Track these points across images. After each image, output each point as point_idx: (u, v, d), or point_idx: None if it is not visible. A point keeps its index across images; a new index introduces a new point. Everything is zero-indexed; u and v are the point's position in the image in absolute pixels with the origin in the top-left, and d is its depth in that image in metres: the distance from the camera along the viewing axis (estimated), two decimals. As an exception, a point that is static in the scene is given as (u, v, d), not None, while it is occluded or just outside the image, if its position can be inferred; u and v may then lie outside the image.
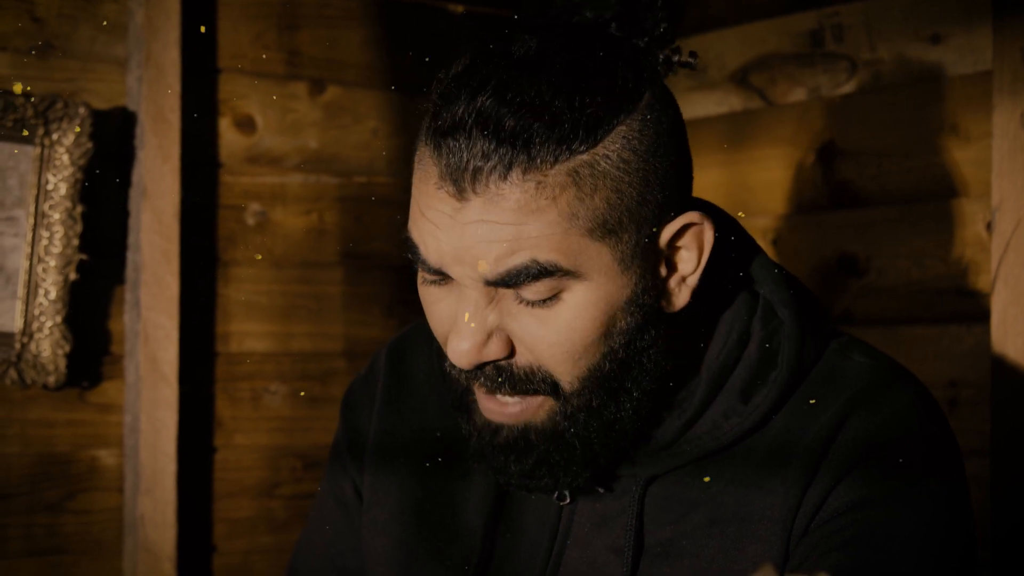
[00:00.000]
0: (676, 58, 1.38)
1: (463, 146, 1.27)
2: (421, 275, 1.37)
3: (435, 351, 1.55)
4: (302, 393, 2.53)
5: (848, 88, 2.37)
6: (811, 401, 1.37)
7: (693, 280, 1.37)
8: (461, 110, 1.28)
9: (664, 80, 1.38)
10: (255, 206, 2.48)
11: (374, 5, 2.59)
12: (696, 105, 2.59)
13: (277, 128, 2.50)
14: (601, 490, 1.41)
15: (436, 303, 1.37)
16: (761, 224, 2.48)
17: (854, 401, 1.36)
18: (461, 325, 1.32)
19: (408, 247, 1.34)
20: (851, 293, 2.36)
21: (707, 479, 1.38)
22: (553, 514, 1.44)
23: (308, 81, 2.53)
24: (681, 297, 1.37)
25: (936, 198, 2.25)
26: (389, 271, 2.60)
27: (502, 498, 1.48)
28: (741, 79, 2.54)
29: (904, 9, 2.29)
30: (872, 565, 1.30)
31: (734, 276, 1.44)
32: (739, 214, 1.66)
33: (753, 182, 2.51)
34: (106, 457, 2.34)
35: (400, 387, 1.60)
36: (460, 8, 2.66)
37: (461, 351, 1.32)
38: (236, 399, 2.47)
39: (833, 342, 1.43)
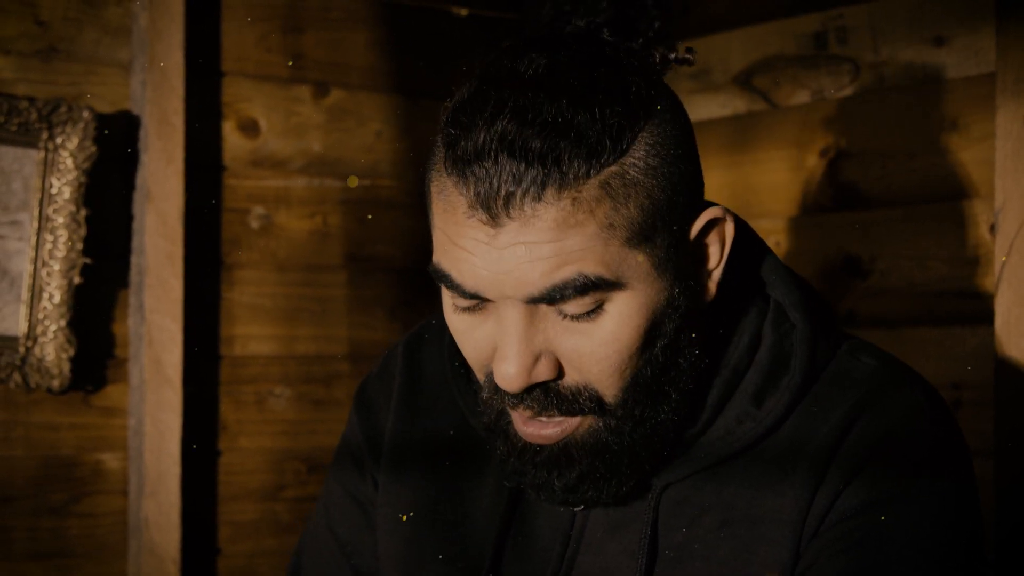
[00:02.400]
0: (673, 55, 1.38)
1: (491, 172, 1.25)
2: (451, 303, 1.35)
3: (447, 353, 1.55)
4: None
5: (852, 90, 2.37)
6: (821, 404, 1.37)
7: (718, 274, 1.38)
8: (483, 137, 1.25)
9: (663, 78, 1.39)
10: (259, 209, 2.49)
11: (378, 8, 2.59)
12: (700, 108, 2.59)
13: (281, 131, 2.50)
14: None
15: (471, 331, 1.35)
16: (765, 226, 2.48)
17: (862, 403, 1.36)
18: (506, 349, 1.30)
19: (438, 277, 1.32)
20: (855, 294, 2.35)
21: (719, 483, 1.38)
22: (566, 520, 1.44)
23: (312, 84, 2.53)
24: (709, 292, 1.37)
25: (940, 199, 2.24)
26: (392, 274, 2.60)
27: (515, 502, 1.47)
28: (745, 81, 2.54)
29: (908, 11, 2.29)
30: (881, 567, 1.30)
31: (744, 279, 1.44)
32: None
33: (757, 184, 2.51)
34: (110, 460, 2.34)
35: (415, 387, 1.59)
36: (464, 11, 2.67)
37: (510, 376, 1.29)
38: (240, 402, 2.47)
39: (844, 344, 1.43)
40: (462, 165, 1.26)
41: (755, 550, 1.35)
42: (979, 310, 2.19)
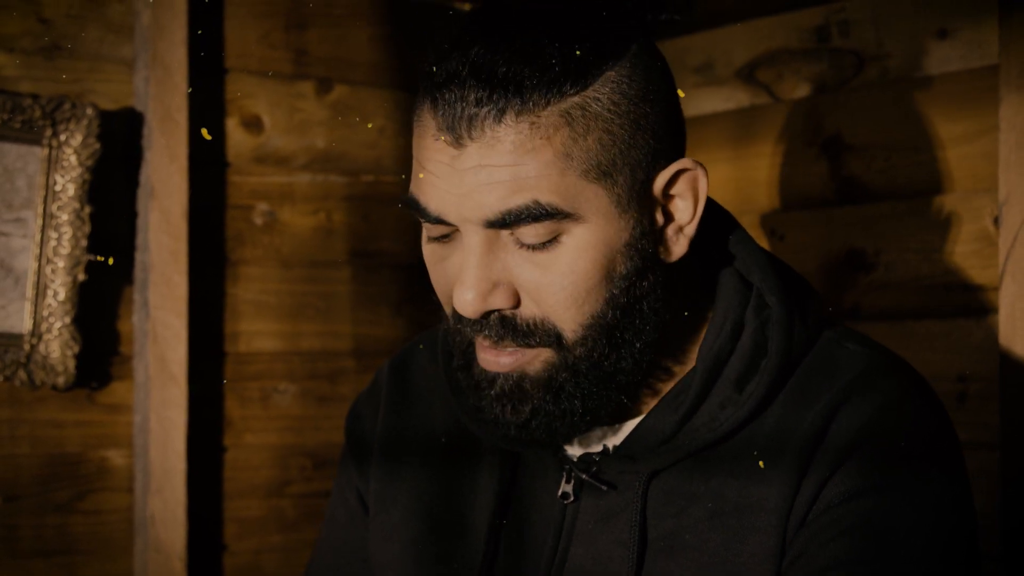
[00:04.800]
0: (663, 16, 1.41)
1: (458, 96, 1.31)
2: (425, 235, 1.40)
3: (441, 354, 1.56)
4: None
5: (855, 83, 2.37)
6: (806, 391, 1.38)
7: (690, 230, 1.39)
8: (455, 63, 1.31)
9: (674, 69, 1.42)
10: (263, 206, 2.49)
11: (381, 4, 2.59)
12: (703, 102, 2.59)
13: (284, 127, 2.50)
14: (604, 487, 1.42)
15: (439, 262, 1.39)
16: (769, 220, 2.48)
17: (848, 390, 1.36)
18: (465, 274, 1.34)
19: (409, 204, 1.37)
20: (860, 288, 2.35)
21: (707, 472, 1.39)
22: (557, 512, 1.45)
23: (315, 80, 2.53)
24: (679, 246, 1.39)
25: (944, 192, 2.24)
26: (397, 270, 2.60)
27: (506, 497, 1.49)
28: (748, 75, 2.54)
29: (910, 4, 2.29)
30: (871, 555, 1.30)
31: (727, 268, 1.45)
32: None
33: (760, 178, 2.51)
34: (116, 457, 2.34)
35: (404, 395, 1.61)
36: (467, 6, 2.67)
37: (466, 300, 1.33)
38: (245, 398, 2.47)
39: (827, 331, 1.43)
40: (434, 90, 1.33)
41: (745, 539, 1.35)
42: (984, 303, 2.19)
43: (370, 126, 2.58)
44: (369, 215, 2.58)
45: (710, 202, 1.46)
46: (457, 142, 1.31)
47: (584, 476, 1.42)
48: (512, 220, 1.31)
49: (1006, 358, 2.09)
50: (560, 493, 1.44)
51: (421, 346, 1.65)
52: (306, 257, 2.52)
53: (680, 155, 1.40)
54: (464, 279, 1.34)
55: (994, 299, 2.16)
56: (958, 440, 1.40)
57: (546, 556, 1.44)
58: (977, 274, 2.20)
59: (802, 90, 2.45)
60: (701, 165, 1.38)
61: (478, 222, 1.32)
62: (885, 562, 1.29)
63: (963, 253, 2.22)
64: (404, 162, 2.61)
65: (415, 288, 2.61)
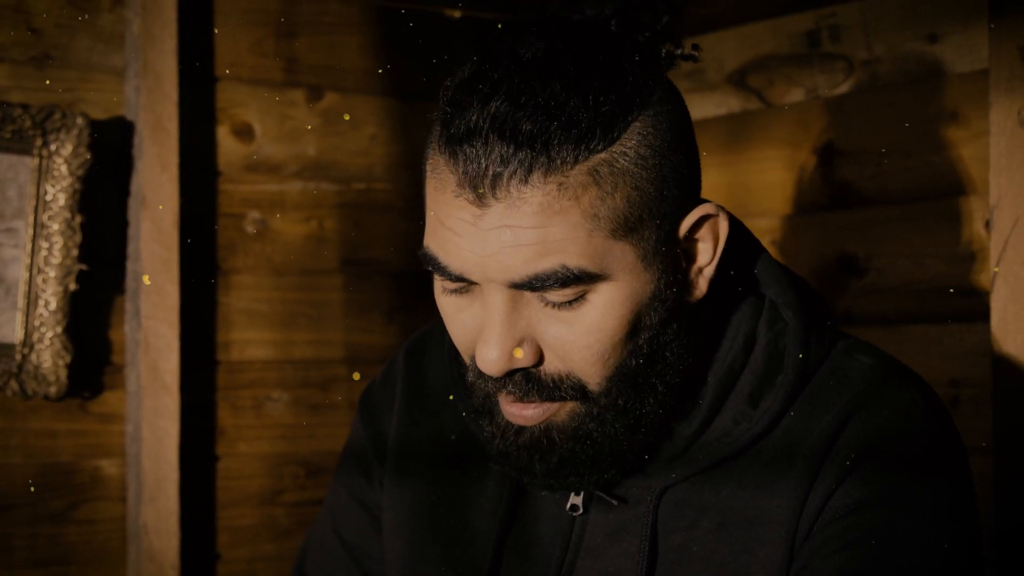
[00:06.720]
0: (678, 51, 1.38)
1: (480, 152, 1.26)
2: (440, 285, 1.36)
3: (447, 355, 1.55)
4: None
5: (846, 88, 2.37)
6: (816, 402, 1.37)
7: (710, 271, 1.37)
8: (475, 116, 1.26)
9: (668, 72, 1.38)
10: (254, 214, 2.48)
11: (371, 11, 2.59)
12: (694, 107, 2.59)
13: (275, 135, 2.50)
14: (615, 502, 1.41)
15: (457, 313, 1.35)
16: (761, 225, 2.48)
17: (856, 402, 1.36)
18: (489, 333, 1.31)
19: (426, 260, 1.33)
20: (852, 293, 2.35)
21: (717, 484, 1.38)
22: (566, 524, 1.44)
23: (306, 88, 2.53)
24: (700, 288, 1.37)
25: (935, 197, 2.24)
26: (389, 277, 2.60)
27: (515, 506, 1.48)
28: (739, 80, 2.54)
29: (901, 8, 2.29)
30: (876, 567, 1.29)
31: (739, 278, 1.44)
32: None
33: (752, 183, 2.51)
34: (108, 467, 2.34)
35: (418, 391, 1.60)
36: (457, 13, 2.66)
37: (491, 359, 1.30)
38: (238, 407, 2.47)
39: (840, 343, 1.43)
40: (453, 144, 1.27)
41: (753, 551, 1.34)
42: (976, 307, 2.19)
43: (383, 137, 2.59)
44: (361, 222, 2.57)
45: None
46: (480, 200, 1.26)
47: (594, 489, 1.41)
48: (539, 284, 1.27)
49: (999, 362, 2.09)
50: (569, 505, 1.43)
51: (436, 333, 1.62)
52: (298, 265, 2.52)
53: (698, 196, 1.37)
54: (488, 337, 1.31)
55: (986, 303, 2.16)
56: (965, 450, 1.39)
57: (553, 568, 1.43)
58: (969, 278, 2.20)
59: (793, 95, 2.45)
60: (723, 209, 1.36)
61: (503, 282, 1.28)
62: (890, 575, 1.29)
63: (955, 257, 2.22)
64: (396, 169, 2.61)
65: (407, 295, 2.61)
